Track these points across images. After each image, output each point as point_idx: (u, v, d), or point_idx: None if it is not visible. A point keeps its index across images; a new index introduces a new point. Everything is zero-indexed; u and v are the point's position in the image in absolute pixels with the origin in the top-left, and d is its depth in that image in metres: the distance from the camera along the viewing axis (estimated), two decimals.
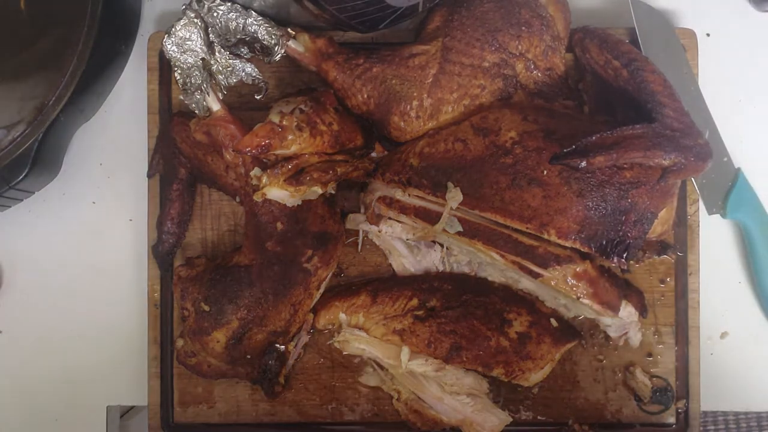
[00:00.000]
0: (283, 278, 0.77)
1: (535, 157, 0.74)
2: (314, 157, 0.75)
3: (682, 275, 0.84)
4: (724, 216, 0.85)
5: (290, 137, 0.73)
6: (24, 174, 0.79)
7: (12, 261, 0.89)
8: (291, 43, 0.79)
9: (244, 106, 0.84)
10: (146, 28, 0.90)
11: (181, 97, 0.78)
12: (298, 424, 0.85)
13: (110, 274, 0.88)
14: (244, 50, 0.80)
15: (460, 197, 0.75)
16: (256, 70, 0.80)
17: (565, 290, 0.76)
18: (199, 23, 0.76)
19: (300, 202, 0.77)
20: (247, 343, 0.78)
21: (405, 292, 0.81)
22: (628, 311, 0.78)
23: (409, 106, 0.78)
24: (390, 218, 0.81)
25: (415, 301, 0.80)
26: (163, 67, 0.85)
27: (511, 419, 0.82)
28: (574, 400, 0.84)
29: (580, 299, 0.76)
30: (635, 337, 0.82)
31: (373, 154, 0.81)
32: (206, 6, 0.77)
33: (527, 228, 0.74)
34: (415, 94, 0.78)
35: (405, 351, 0.79)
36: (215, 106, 0.76)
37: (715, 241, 0.87)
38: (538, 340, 0.78)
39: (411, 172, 0.78)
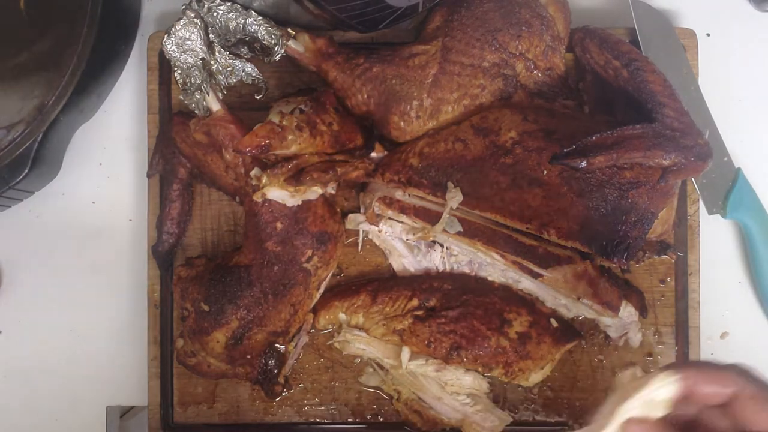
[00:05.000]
0: (283, 278, 0.77)
1: (535, 157, 0.74)
2: (314, 157, 0.75)
3: (682, 275, 0.84)
4: (724, 216, 0.85)
5: (290, 137, 0.73)
6: (24, 174, 0.79)
7: (12, 261, 0.89)
8: (291, 43, 0.79)
9: (244, 106, 0.84)
10: (146, 28, 0.90)
11: (181, 97, 0.78)
12: (298, 424, 0.85)
13: (110, 274, 0.88)
14: (244, 50, 0.80)
15: (460, 197, 0.75)
16: (256, 70, 0.80)
17: (565, 290, 0.76)
18: (199, 23, 0.76)
19: (300, 202, 0.77)
20: (247, 343, 0.78)
21: (405, 292, 0.81)
22: (628, 311, 0.78)
23: (409, 106, 0.78)
24: (390, 218, 0.81)
25: (415, 301, 0.80)
26: (163, 67, 0.85)
27: (511, 419, 0.82)
28: (574, 400, 0.84)
29: (580, 299, 0.76)
30: (635, 338, 0.82)
31: (373, 154, 0.81)
32: (206, 6, 0.77)
33: (527, 228, 0.74)
34: (415, 94, 0.78)
35: (405, 351, 0.79)
36: (215, 106, 0.76)
37: (715, 241, 0.87)
38: (538, 340, 0.78)
39: (411, 172, 0.78)
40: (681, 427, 0.51)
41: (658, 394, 0.49)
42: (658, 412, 0.49)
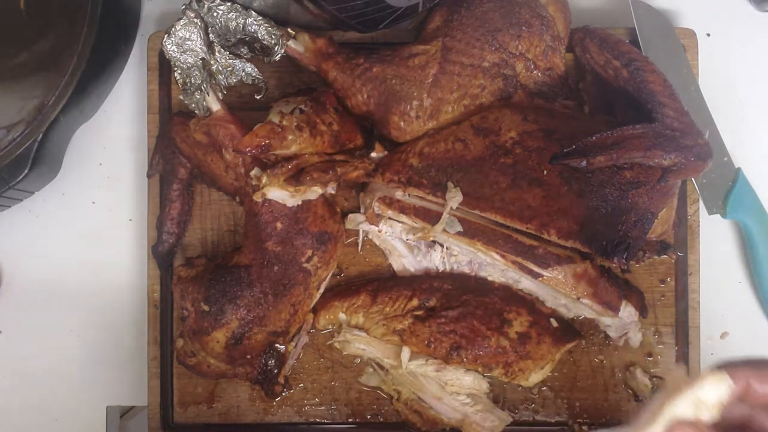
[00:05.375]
0: (283, 278, 0.77)
1: (536, 157, 0.74)
2: (314, 157, 0.75)
3: (682, 275, 0.84)
4: (724, 216, 0.85)
5: (290, 137, 0.73)
6: (24, 174, 0.79)
7: (12, 261, 0.89)
8: (291, 43, 0.79)
9: (244, 106, 0.84)
10: (146, 28, 0.90)
11: (181, 97, 0.78)
12: (298, 424, 0.85)
13: (110, 274, 0.88)
14: (244, 50, 0.80)
15: (460, 197, 0.75)
16: (256, 70, 0.80)
17: (565, 290, 0.76)
18: (199, 23, 0.76)
19: (300, 202, 0.77)
20: (247, 343, 0.78)
21: (405, 292, 0.81)
22: (628, 311, 0.78)
23: (409, 106, 0.78)
24: (390, 218, 0.81)
25: (415, 301, 0.80)
26: (163, 67, 0.85)
27: (511, 419, 0.82)
28: (574, 400, 0.84)
29: (580, 299, 0.76)
30: (635, 337, 0.82)
31: (373, 154, 0.81)
32: (206, 6, 0.77)
33: (527, 228, 0.74)
34: (415, 94, 0.78)
35: (405, 351, 0.79)
36: (215, 106, 0.76)
37: (715, 241, 0.87)
38: (538, 340, 0.78)
39: (411, 172, 0.78)
40: (730, 429, 0.48)
41: (709, 396, 0.46)
42: (709, 414, 0.46)
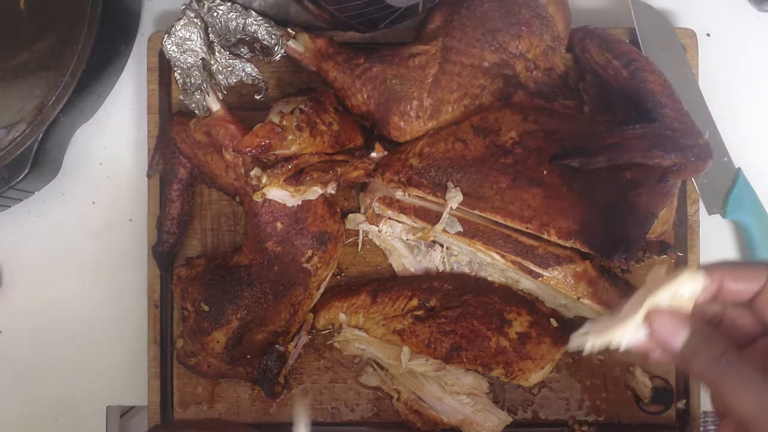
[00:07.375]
0: (283, 278, 0.77)
1: (536, 157, 0.74)
2: (314, 157, 0.75)
3: None
4: (724, 216, 0.85)
5: (290, 137, 0.73)
6: (24, 174, 0.79)
7: (12, 261, 0.89)
8: (291, 43, 0.79)
9: (244, 106, 0.84)
10: (146, 28, 0.90)
11: (181, 97, 0.78)
12: None
13: (110, 274, 0.88)
14: (244, 50, 0.80)
15: (460, 197, 0.75)
16: (256, 70, 0.80)
17: (565, 290, 0.76)
18: (199, 23, 0.76)
19: (300, 202, 0.77)
20: (247, 343, 0.78)
21: (405, 292, 0.81)
22: None
23: (409, 106, 0.78)
24: (390, 218, 0.81)
25: (415, 301, 0.80)
26: (163, 67, 0.85)
27: (511, 419, 0.82)
28: (574, 400, 0.84)
29: (580, 299, 0.76)
30: None
31: (373, 154, 0.81)
32: (206, 6, 0.77)
33: (527, 228, 0.74)
34: (415, 94, 0.78)
35: (405, 351, 0.79)
36: (215, 106, 0.76)
37: (715, 241, 0.87)
38: (538, 340, 0.78)
39: (411, 172, 0.78)
40: (704, 323, 0.52)
41: (685, 289, 0.51)
42: (684, 306, 0.51)
